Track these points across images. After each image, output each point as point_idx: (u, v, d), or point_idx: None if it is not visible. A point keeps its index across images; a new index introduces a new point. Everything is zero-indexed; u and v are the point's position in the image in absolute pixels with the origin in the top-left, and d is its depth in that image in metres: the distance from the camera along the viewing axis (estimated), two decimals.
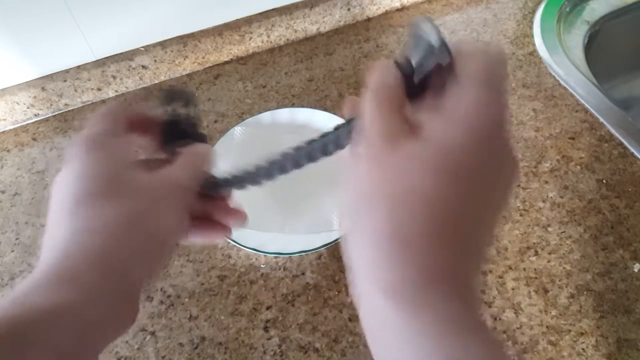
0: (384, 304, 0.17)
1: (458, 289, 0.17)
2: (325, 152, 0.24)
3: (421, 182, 0.17)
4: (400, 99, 0.20)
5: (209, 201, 0.28)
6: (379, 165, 0.18)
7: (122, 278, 0.21)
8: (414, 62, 0.20)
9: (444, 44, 0.19)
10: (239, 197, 0.52)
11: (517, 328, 0.43)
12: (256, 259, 0.48)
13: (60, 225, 0.21)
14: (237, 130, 0.55)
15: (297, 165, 0.26)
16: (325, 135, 0.24)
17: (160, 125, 0.28)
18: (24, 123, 0.65)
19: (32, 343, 0.18)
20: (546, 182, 0.53)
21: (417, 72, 0.20)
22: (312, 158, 0.25)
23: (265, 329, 0.44)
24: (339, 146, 0.23)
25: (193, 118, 0.29)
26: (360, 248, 0.18)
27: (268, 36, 0.71)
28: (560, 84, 0.63)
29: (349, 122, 0.22)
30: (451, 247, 0.17)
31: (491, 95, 0.18)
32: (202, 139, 0.30)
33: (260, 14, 0.69)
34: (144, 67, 0.67)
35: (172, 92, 0.29)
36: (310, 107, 0.58)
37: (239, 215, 0.29)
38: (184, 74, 0.70)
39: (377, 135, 0.19)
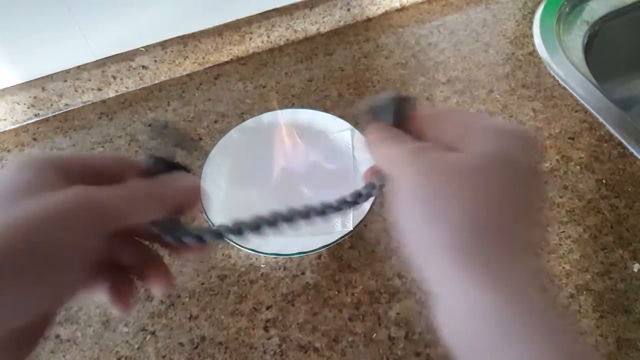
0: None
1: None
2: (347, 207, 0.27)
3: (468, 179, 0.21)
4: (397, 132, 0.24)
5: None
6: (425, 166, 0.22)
7: None
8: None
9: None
10: (239, 197, 0.52)
11: None
12: (256, 258, 0.48)
13: None
14: (234, 133, 0.55)
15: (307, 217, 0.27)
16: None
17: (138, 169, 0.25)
18: (24, 123, 0.65)
19: None
20: (546, 182, 0.53)
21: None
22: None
23: (265, 328, 0.44)
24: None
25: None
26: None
27: (268, 36, 0.71)
28: (559, 84, 0.63)
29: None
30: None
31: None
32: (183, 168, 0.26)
33: (260, 14, 0.70)
34: (144, 67, 0.67)
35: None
36: (310, 108, 0.58)
37: (166, 279, 0.25)
38: (184, 74, 0.70)
39: (406, 149, 0.22)
